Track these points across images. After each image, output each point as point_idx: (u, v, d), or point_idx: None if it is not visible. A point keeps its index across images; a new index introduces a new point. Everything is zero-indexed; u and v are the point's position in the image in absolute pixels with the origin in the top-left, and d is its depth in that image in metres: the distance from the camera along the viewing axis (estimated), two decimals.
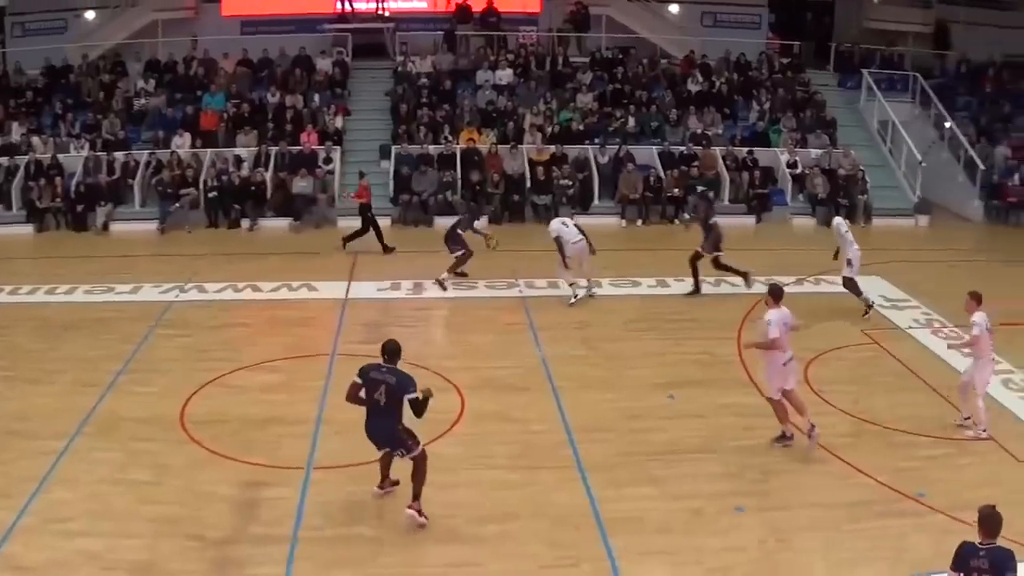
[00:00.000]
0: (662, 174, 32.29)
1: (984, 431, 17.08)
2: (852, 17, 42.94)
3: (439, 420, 15.43)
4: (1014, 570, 10.03)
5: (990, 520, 10.19)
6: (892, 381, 19.78)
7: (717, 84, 36.95)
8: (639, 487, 14.98)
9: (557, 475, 15.16)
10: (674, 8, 39.89)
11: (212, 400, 17.58)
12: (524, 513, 14.00)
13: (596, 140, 33.34)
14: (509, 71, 35.79)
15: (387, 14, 38.23)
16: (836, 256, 23.84)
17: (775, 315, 16.41)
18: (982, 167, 34.71)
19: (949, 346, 18.73)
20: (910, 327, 22.18)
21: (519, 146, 32.31)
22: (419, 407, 13.37)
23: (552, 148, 32.36)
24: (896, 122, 36.02)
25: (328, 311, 22.48)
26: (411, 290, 24.14)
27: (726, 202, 32.58)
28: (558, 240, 23.05)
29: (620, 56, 37.62)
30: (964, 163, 35.48)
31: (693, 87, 36.57)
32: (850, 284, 23.41)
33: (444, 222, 28.28)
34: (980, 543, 10.14)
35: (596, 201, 31.89)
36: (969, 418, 17.31)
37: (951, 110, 37.38)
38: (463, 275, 24.81)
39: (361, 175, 28.59)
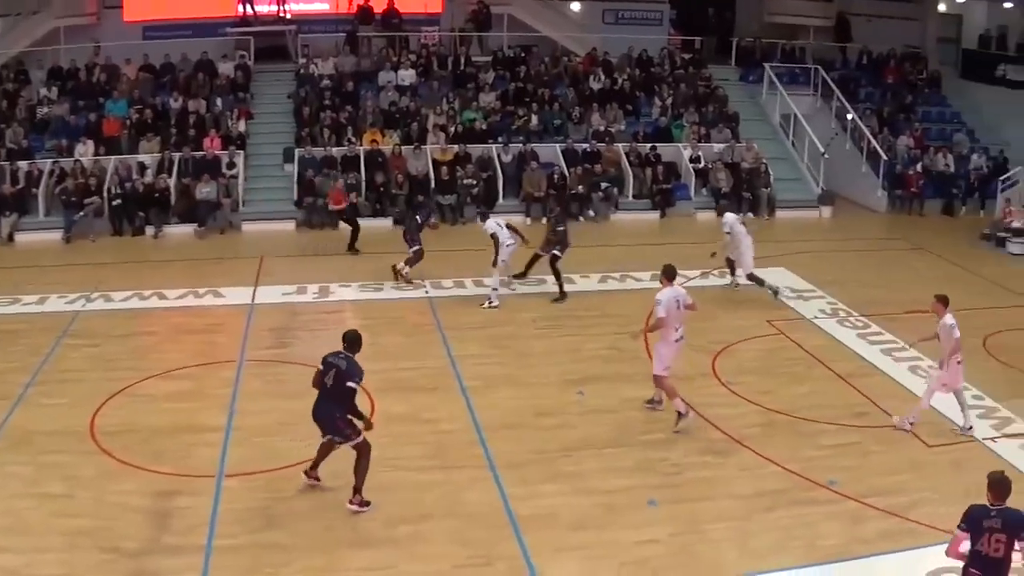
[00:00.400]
0: (566, 172, 32.40)
1: (911, 423, 17.40)
2: (753, 12, 43.48)
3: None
4: None
5: (1000, 485, 10.78)
6: (800, 371, 20.13)
7: (619, 81, 37.13)
8: (551, 483, 15.06)
9: (469, 474, 15.22)
10: (576, 6, 40.12)
11: (122, 410, 17.37)
12: (437, 513, 14.05)
13: (499, 139, 33.37)
14: (412, 72, 35.72)
15: (289, 16, 37.92)
16: (714, 255, 24.28)
17: (666, 294, 16.90)
18: (885, 157, 35.28)
19: (941, 364, 17.77)
20: (816, 317, 22.53)
21: (422, 146, 32.29)
22: (353, 407, 13.97)
23: (455, 148, 32.37)
24: (798, 115, 36.56)
25: (234, 317, 22.29)
26: (317, 294, 23.97)
27: (630, 198, 32.90)
28: (495, 238, 23.20)
29: (522, 54, 37.74)
30: (867, 154, 36.05)
31: (595, 84, 36.77)
32: (752, 277, 23.80)
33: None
34: (991, 504, 10.74)
35: (500, 200, 31.83)
36: (970, 428, 17.50)
37: (853, 102, 38.07)
38: (409, 281, 24.88)
39: (332, 179, 29.00)
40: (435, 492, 14.62)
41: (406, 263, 24.57)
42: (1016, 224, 31.32)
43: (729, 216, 24.89)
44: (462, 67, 36.72)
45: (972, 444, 17.13)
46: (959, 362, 17.26)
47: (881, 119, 38.01)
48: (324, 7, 39.17)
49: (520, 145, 33.00)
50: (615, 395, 18.28)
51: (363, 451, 14.03)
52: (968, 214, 35.20)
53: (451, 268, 25.41)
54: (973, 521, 10.72)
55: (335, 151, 32.00)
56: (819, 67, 38.95)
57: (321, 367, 14.17)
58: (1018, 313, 22.64)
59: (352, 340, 14.28)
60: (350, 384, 13.85)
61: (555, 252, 23.95)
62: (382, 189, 30.95)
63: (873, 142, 35.78)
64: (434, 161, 31.85)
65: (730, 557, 13.47)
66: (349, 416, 13.98)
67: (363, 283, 24.64)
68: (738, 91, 39.17)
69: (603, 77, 37.12)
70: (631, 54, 38.59)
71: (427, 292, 24.02)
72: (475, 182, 31.37)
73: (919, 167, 35.91)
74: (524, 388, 18.61)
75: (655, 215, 32.84)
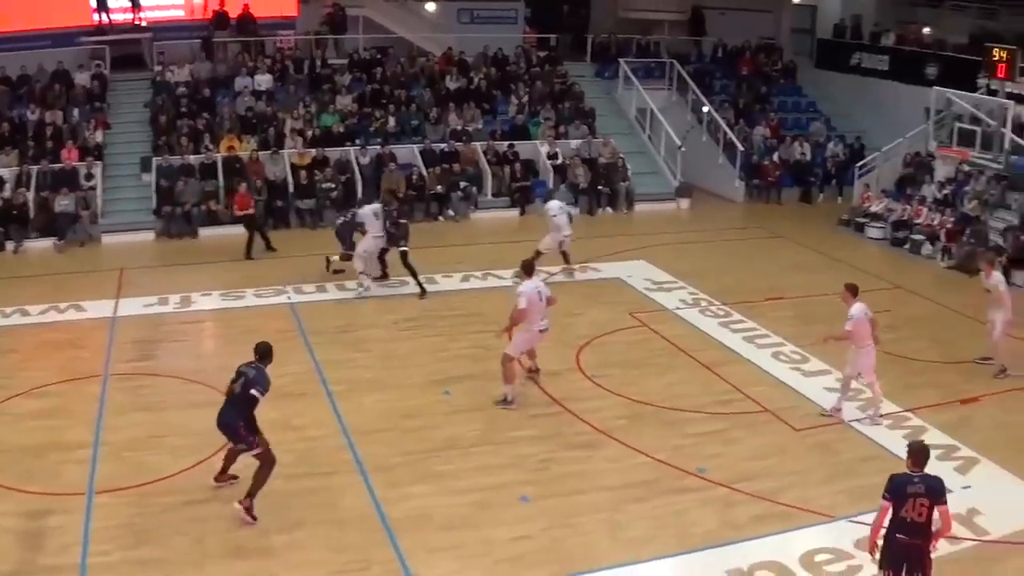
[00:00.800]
0: (424, 172, 32.57)
1: (877, 414, 18.12)
2: (608, 8, 43.88)
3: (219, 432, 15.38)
4: (945, 493, 11.47)
5: (920, 452, 11.61)
6: (663, 361, 20.60)
7: (476, 80, 37.35)
8: (422, 485, 15.23)
9: (340, 479, 15.32)
10: (431, 6, 40.13)
11: None
12: (310, 520, 14.10)
13: (357, 141, 33.35)
14: (268, 76, 35.45)
15: (144, 24, 37.38)
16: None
17: (528, 286, 17.50)
18: (741, 148, 36.15)
19: (825, 339, 19.04)
20: (677, 308, 22.99)
21: (280, 151, 32.12)
22: (249, 417, 14.29)
23: (313, 152, 32.24)
24: (654, 109, 37.19)
25: (97, 331, 21.98)
26: (179, 304, 23.71)
27: (489, 196, 33.16)
28: (362, 226, 23.69)
29: (378, 56, 37.70)
30: (723, 145, 36.87)
31: (452, 84, 36.92)
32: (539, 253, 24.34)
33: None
34: (911, 472, 11.47)
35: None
36: (839, 409, 18.24)
37: (709, 94, 38.86)
38: (339, 271, 25.25)
39: (237, 185, 28.83)
40: (307, 499, 14.67)
41: (340, 258, 25.02)
42: (874, 209, 32.28)
43: (553, 204, 25.55)
44: (318, 70, 36.56)
45: (838, 426, 17.82)
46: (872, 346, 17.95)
47: (737, 110, 38.91)
48: (179, 13, 38.54)
49: (378, 147, 33.00)
50: (482, 393, 18.46)
51: (265, 461, 14.21)
52: (826, 201, 36.22)
53: (313, 272, 25.40)
54: (898, 489, 11.36)
55: (192, 159, 31.64)
56: (674, 61, 39.64)
57: (234, 375, 14.43)
58: (879, 296, 23.18)
59: (264, 352, 14.57)
60: (253, 392, 14.10)
61: (403, 248, 24.25)
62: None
63: (729, 133, 36.65)
64: (292, 166, 31.67)
65: (604, 549, 13.77)
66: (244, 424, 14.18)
67: (224, 292, 24.48)
68: (594, 87, 39.64)
69: (459, 77, 37.28)
70: (487, 53, 38.78)
71: (289, 298, 23.89)
72: (334, 185, 31.25)
73: (776, 157, 36.91)
74: (390, 390, 18.73)
75: (514, 212, 33.15)
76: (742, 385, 19.40)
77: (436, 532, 13.98)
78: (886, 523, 11.48)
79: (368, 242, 23.94)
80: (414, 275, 24.25)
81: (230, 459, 14.89)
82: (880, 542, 11.58)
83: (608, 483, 15.54)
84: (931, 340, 22.28)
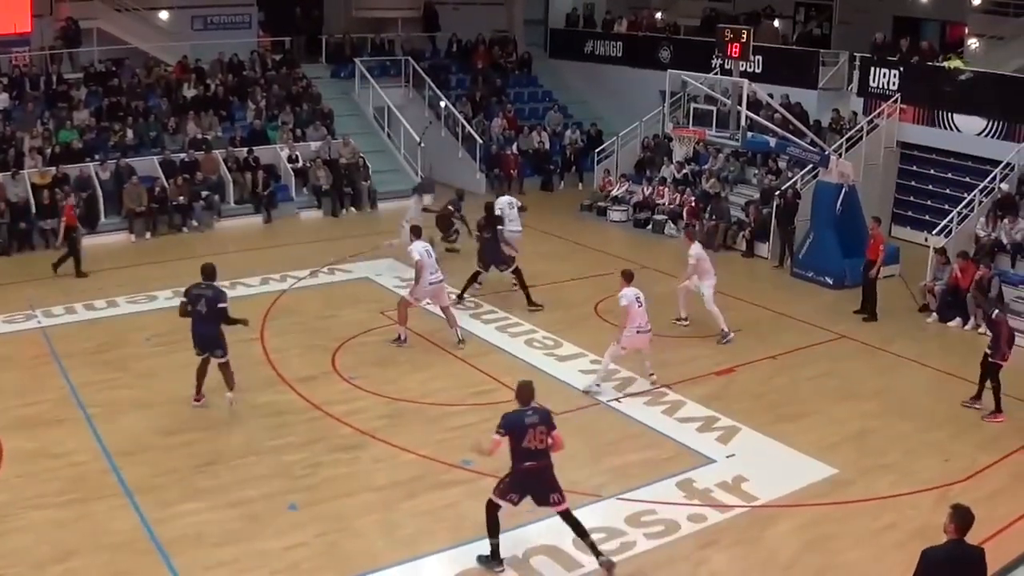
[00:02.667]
0: (165, 183, 31.93)
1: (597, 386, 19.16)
2: (341, 8, 43.68)
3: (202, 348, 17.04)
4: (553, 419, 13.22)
5: (525, 389, 13.26)
6: (419, 358, 20.78)
7: (212, 87, 36.86)
8: (190, 502, 15.00)
9: (107, 504, 14.94)
10: (164, 14, 39.32)
11: None
12: (83, 548, 13.71)
13: (96, 156, 32.49)
14: (4, 95, 34.14)
15: None
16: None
17: (418, 246, 20.20)
18: (480, 141, 36.63)
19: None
20: (428, 304, 23.06)
21: (21, 171, 30.91)
22: (229, 319, 17.71)
23: (54, 170, 31.17)
24: (392, 107, 37.49)
25: None
26: None
27: (232, 204, 32.82)
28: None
29: (114, 68, 36.81)
30: (462, 139, 37.33)
31: (189, 92, 36.32)
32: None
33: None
34: (523, 408, 13.07)
35: (103, 219, 30.93)
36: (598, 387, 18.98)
37: (445, 89, 39.27)
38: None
39: (66, 196, 28.31)
40: (77, 527, 14.28)
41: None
42: (615, 193, 33.15)
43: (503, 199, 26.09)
44: (55, 86, 35.40)
45: (596, 407, 18.43)
46: (639, 331, 18.90)
47: (474, 104, 39.47)
48: None
49: (115, 160, 32.14)
50: (241, 403, 18.29)
51: (227, 365, 17.90)
52: (567, 188, 37.15)
53: (60, 294, 24.75)
54: (514, 424, 12.91)
55: None
56: (409, 58, 39.81)
57: (185, 298, 17.74)
58: None
59: (210, 271, 17.84)
60: (221, 305, 17.51)
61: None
62: None
63: (468, 127, 37.09)
64: (33, 186, 30.57)
65: (380, 548, 13.86)
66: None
67: None
68: (331, 88, 39.62)
69: (196, 85, 36.76)
70: (222, 59, 38.32)
71: (39, 323, 22.99)
72: (75, 203, 30.43)
73: (515, 147, 37.43)
74: (149, 408, 18.32)
75: (259, 219, 32.89)
76: (498, 375, 19.75)
77: (210, 549, 13.81)
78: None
79: (509, 236, 24.26)
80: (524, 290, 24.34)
81: (201, 373, 18.06)
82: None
83: (376, 483, 15.66)
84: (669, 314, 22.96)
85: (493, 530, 13.22)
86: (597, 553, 13.18)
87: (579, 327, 22.58)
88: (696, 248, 21.68)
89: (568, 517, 13.21)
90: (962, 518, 10.17)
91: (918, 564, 10.15)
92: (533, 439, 12.83)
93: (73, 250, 26.47)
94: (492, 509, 13.17)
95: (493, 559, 13.31)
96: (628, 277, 19.07)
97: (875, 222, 24.46)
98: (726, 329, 21.71)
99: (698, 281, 21.85)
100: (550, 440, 12.98)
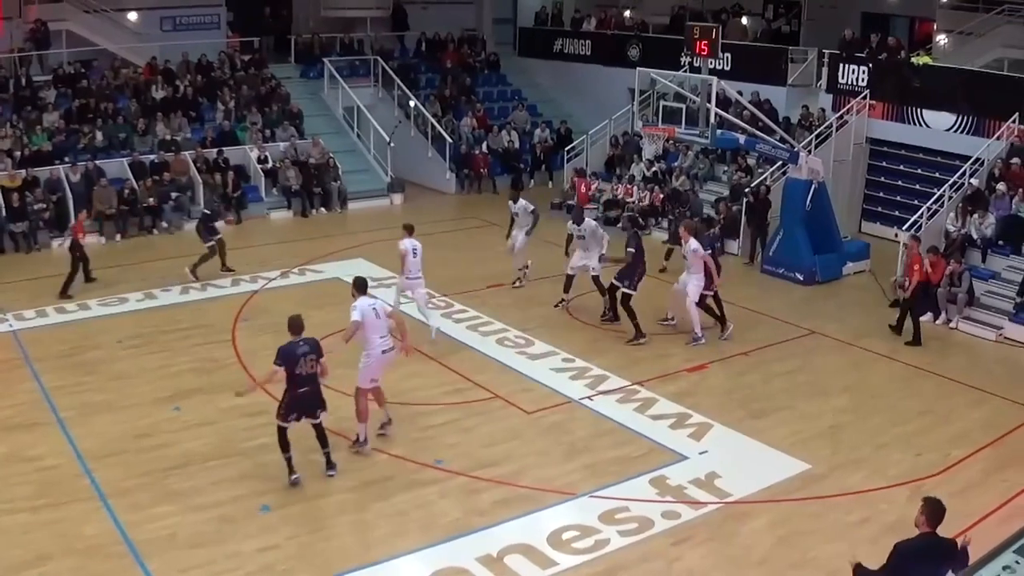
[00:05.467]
0: (135, 185, 31.77)
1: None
2: (310, 8, 43.55)
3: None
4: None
5: (295, 323, 15.39)
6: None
7: (181, 88, 36.70)
8: (163, 505, 14.95)
9: (80, 507, 14.88)
10: (133, 16, 39.13)
11: None
12: (56, 552, 13.64)
13: (66, 159, 32.26)
14: None
15: None
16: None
17: (362, 302, 16.62)
18: (450, 140, 36.67)
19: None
20: (401, 303, 22.96)
21: None
22: None
23: (23, 173, 30.94)
24: (361, 106, 37.44)
25: None
26: None
27: (201, 205, 32.49)
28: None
29: (83, 70, 36.62)
30: (432, 138, 37.33)
31: (158, 94, 36.12)
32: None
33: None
34: (295, 340, 15.17)
35: (72, 222, 30.59)
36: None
37: (414, 88, 39.19)
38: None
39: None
40: (50, 531, 14.21)
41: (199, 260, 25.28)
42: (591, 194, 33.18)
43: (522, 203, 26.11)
44: (24, 88, 35.19)
45: (569, 405, 18.44)
46: (408, 279, 21.57)
47: (444, 103, 39.36)
48: None
49: (85, 163, 31.93)
50: (212, 406, 18.30)
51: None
52: (537, 187, 36.97)
53: (28, 298, 24.58)
54: (289, 355, 14.93)
55: None
56: (378, 58, 39.81)
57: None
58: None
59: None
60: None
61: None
62: None
63: (437, 126, 37.06)
64: (3, 189, 30.40)
65: (354, 549, 13.86)
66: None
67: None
68: (300, 88, 39.54)
69: (165, 86, 36.59)
70: (190, 60, 38.16)
71: (11, 326, 22.81)
72: (45, 206, 30.26)
73: (484, 146, 37.44)
74: (121, 411, 18.26)
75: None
76: (470, 373, 19.82)
77: (184, 551, 13.76)
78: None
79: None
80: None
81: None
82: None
83: (349, 484, 15.63)
84: (656, 313, 23.06)
85: (284, 447, 15.41)
86: (331, 465, 15.81)
87: (550, 325, 22.63)
88: (695, 243, 21.60)
89: (319, 428, 15.61)
90: (933, 511, 10.27)
91: (889, 557, 10.23)
92: (304, 366, 14.99)
93: (76, 268, 25.66)
94: (281, 431, 15.34)
95: (289, 472, 15.53)
96: (409, 230, 21.73)
97: (915, 241, 23.73)
98: (699, 333, 21.69)
99: (685, 277, 21.80)
100: (319, 367, 15.16)
